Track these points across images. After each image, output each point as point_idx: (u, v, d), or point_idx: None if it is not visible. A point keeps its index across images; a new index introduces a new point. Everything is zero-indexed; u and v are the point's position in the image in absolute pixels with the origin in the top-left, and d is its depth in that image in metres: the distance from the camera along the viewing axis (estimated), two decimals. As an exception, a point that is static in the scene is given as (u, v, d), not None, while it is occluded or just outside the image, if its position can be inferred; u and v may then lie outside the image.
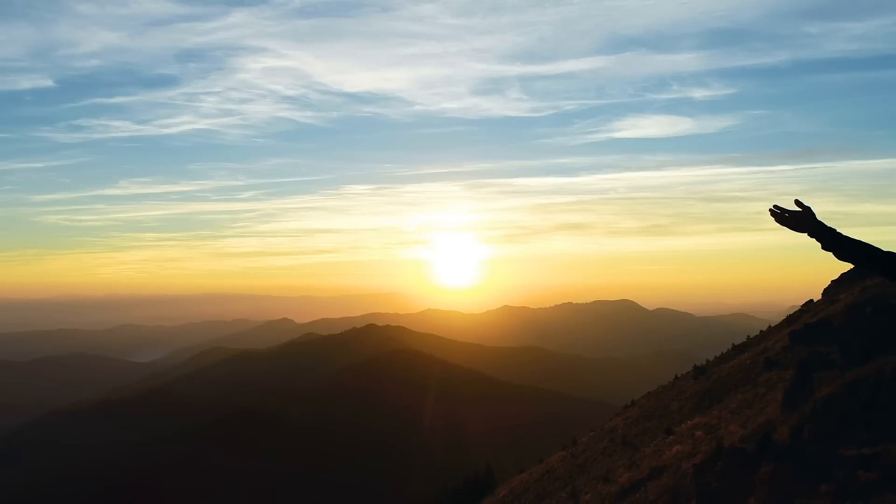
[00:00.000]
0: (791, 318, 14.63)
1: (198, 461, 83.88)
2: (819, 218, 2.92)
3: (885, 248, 2.92)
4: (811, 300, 13.27)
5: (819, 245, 3.01)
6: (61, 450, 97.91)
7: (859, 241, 2.98)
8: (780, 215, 3.16)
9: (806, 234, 3.03)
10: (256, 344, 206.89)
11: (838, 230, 2.96)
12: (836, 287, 13.37)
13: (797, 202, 3.05)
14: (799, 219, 3.07)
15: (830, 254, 3.00)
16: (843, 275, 13.77)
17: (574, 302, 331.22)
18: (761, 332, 17.36)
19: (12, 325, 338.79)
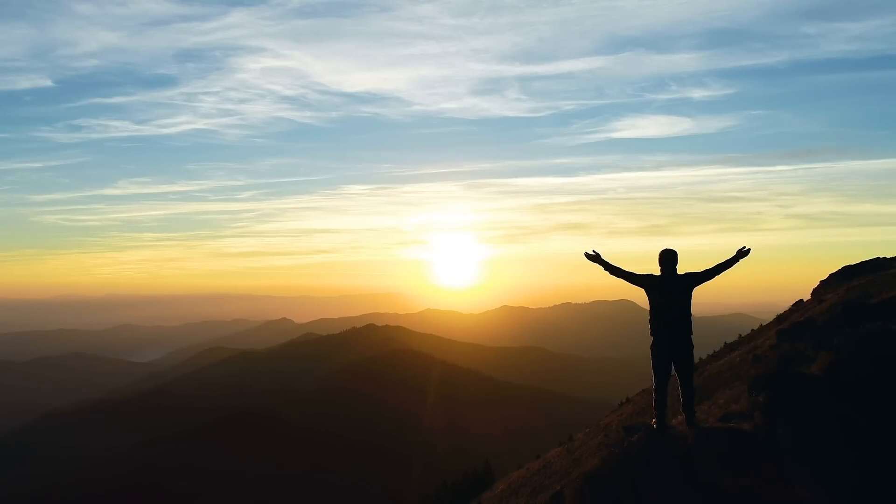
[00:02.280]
0: (781, 318, 15.06)
1: (197, 462, 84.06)
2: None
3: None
4: (801, 300, 13.76)
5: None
6: (60, 450, 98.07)
7: (620, 268, 6.69)
8: (587, 255, 6.78)
9: (599, 265, 6.75)
10: (255, 344, 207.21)
11: (615, 263, 6.71)
12: (824, 287, 13.84)
13: (593, 251, 6.80)
14: (595, 257, 6.73)
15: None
16: (831, 275, 14.25)
17: (573, 302, 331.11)
18: (752, 330, 17.77)
19: (11, 325, 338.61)
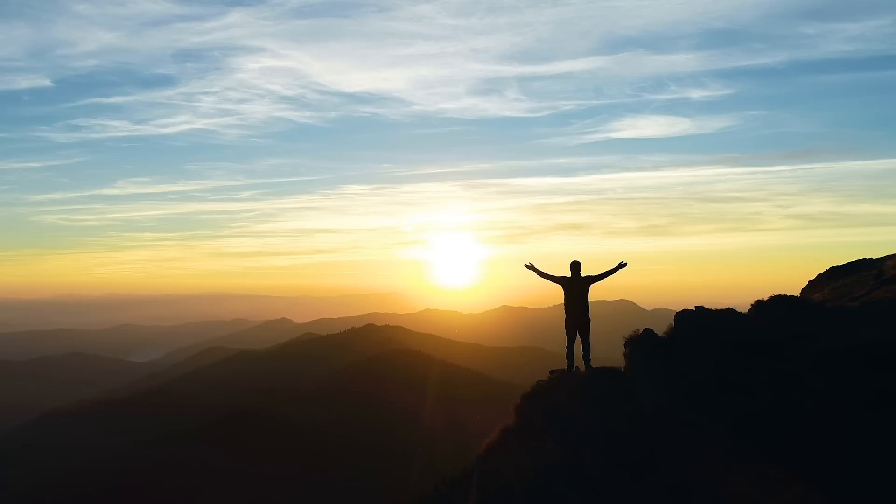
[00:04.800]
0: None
1: (196, 461, 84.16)
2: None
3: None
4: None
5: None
6: (59, 450, 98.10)
7: (546, 273, 10.89)
8: (525, 266, 10.77)
9: (535, 273, 10.83)
10: (255, 344, 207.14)
11: (543, 269, 10.82)
12: (811, 287, 14.16)
13: (529, 263, 10.87)
14: (531, 267, 10.80)
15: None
16: (818, 275, 14.51)
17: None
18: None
19: (10, 324, 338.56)
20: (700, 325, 10.27)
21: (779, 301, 10.70)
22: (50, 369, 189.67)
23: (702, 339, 9.86)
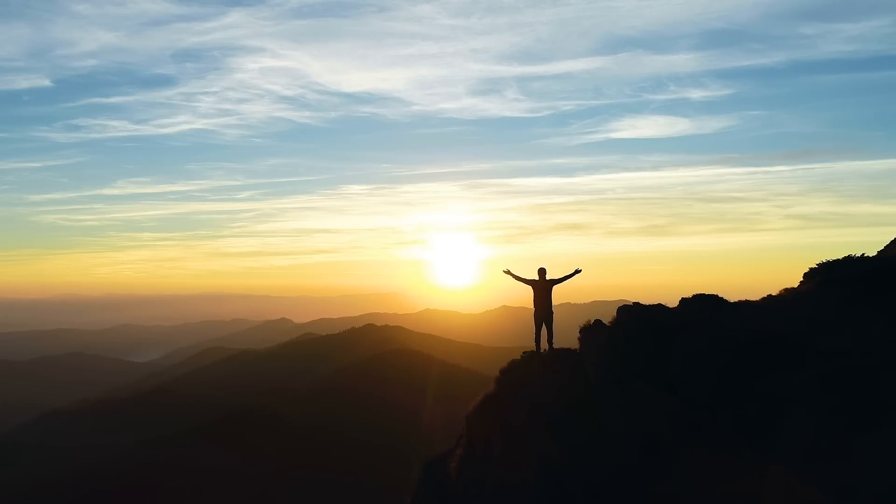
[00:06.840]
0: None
1: (196, 461, 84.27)
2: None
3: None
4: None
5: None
6: (59, 450, 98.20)
7: (519, 276, 14.24)
8: (504, 271, 14.10)
9: (511, 277, 13.99)
10: (255, 344, 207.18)
11: (517, 273, 14.13)
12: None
13: (506, 269, 14.21)
14: (508, 272, 13.99)
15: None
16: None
17: (572, 302, 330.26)
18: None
19: (10, 324, 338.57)
20: (636, 316, 12.97)
21: (700, 298, 13.42)
22: (50, 369, 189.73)
23: (636, 327, 12.70)
